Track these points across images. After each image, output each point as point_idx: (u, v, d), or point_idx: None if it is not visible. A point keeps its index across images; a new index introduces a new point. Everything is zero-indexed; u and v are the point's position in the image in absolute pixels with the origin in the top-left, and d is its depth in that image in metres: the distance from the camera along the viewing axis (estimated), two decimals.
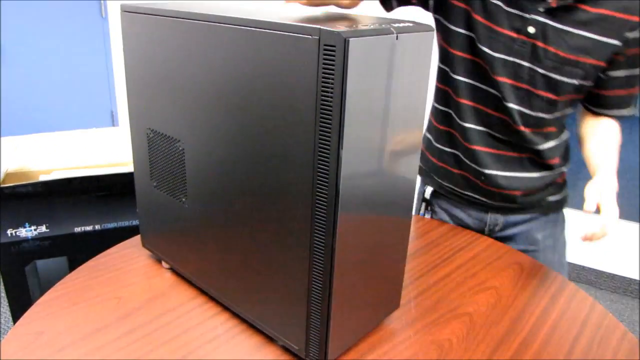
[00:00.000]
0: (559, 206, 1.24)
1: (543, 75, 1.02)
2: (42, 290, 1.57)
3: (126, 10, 0.88)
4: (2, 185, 1.40)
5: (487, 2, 1.01)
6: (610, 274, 2.54)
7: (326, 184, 0.64)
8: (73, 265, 1.56)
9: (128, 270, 1.01)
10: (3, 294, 2.32)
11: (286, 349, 0.81)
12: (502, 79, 1.05)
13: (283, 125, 0.67)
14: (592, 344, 0.87)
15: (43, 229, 1.51)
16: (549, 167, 1.15)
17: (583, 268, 2.59)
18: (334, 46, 0.58)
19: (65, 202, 1.51)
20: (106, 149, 1.83)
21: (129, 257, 1.06)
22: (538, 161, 1.14)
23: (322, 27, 0.58)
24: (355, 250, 0.71)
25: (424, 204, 1.35)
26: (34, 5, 2.59)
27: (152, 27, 0.83)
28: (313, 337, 0.74)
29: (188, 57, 0.78)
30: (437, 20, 1.12)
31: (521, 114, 1.07)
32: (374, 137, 0.66)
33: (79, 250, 1.56)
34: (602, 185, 0.98)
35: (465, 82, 1.10)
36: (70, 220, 1.53)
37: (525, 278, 1.04)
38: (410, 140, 0.74)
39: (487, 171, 1.14)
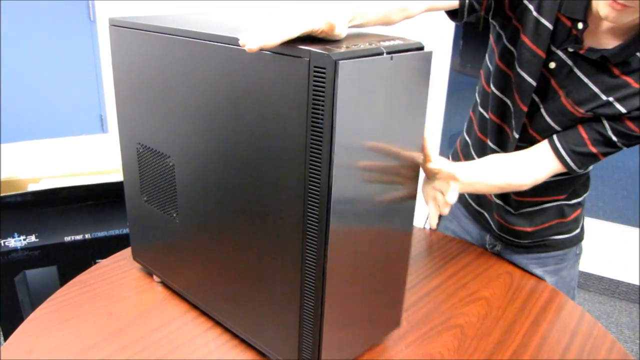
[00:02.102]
0: (569, 244, 1.14)
1: (542, 117, 0.97)
2: (32, 300, 1.56)
3: (114, 25, 0.88)
4: None
5: (540, 23, 0.92)
6: (598, 276, 2.57)
7: (317, 203, 0.64)
8: (63, 274, 1.55)
9: (119, 284, 1.01)
10: None
11: None
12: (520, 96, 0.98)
13: (274, 144, 0.67)
14: (582, 354, 0.88)
15: (32, 238, 1.50)
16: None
17: None
18: (324, 68, 0.58)
19: (54, 212, 1.50)
20: (96, 157, 1.82)
21: (120, 271, 1.06)
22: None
23: (312, 49, 0.58)
24: (348, 269, 0.71)
25: None
26: (20, 9, 2.56)
27: (140, 42, 0.83)
28: (305, 353, 0.75)
29: (178, 74, 0.78)
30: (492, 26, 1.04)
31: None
32: (367, 156, 0.66)
33: (69, 260, 1.55)
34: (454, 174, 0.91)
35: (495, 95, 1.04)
36: (60, 230, 1.52)
37: (516, 288, 1.05)
38: (407, 159, 0.73)
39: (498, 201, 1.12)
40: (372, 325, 0.82)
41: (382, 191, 0.72)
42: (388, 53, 0.63)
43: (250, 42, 0.58)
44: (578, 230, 1.14)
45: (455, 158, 1.23)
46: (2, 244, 1.47)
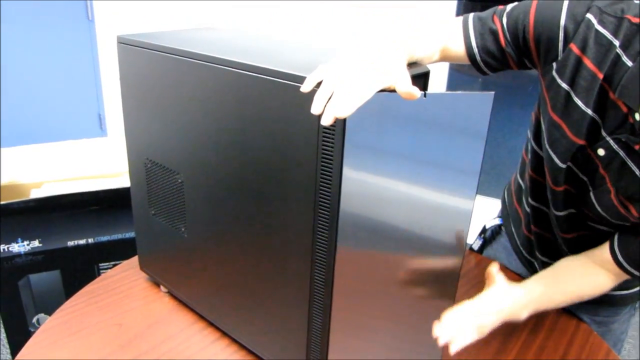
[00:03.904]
0: (628, 301, 1.02)
1: (592, 204, 0.85)
2: (36, 304, 1.58)
3: (122, 42, 0.89)
4: None
5: (572, 100, 0.79)
6: None
7: (327, 223, 0.66)
8: (66, 278, 1.57)
9: (127, 294, 1.03)
10: None
11: None
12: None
13: (283, 167, 0.69)
14: None
15: (36, 243, 1.52)
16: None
17: None
18: None
19: (58, 217, 1.51)
20: (97, 160, 1.83)
21: (128, 280, 1.07)
22: None
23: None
24: (356, 286, 0.74)
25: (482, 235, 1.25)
26: (18, 8, 2.56)
27: (149, 61, 0.84)
28: None
29: (187, 94, 0.79)
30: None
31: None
32: (379, 174, 0.68)
33: (72, 264, 1.57)
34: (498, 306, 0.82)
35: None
36: (63, 235, 1.54)
37: None
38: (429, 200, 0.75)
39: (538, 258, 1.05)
40: (401, 355, 0.82)
41: (401, 217, 0.72)
42: None
43: (325, 118, 0.54)
44: (633, 290, 1.00)
45: (509, 199, 1.14)
46: (6, 249, 1.48)
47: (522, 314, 0.84)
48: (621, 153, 0.77)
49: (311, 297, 0.72)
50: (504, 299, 0.83)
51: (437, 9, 1.89)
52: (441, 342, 0.76)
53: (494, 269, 0.87)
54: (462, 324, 0.79)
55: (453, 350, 0.77)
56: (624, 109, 0.74)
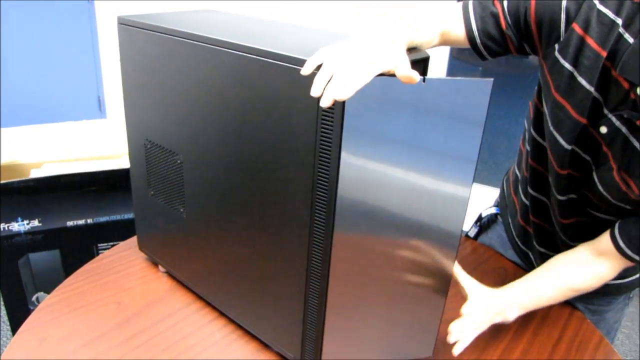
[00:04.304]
0: (623, 290, 1.03)
1: (594, 185, 0.85)
2: (36, 283, 1.60)
3: (123, 23, 0.89)
4: None
5: (575, 80, 0.80)
6: None
7: (325, 203, 0.67)
8: (66, 258, 1.58)
9: (125, 274, 1.04)
10: None
11: (282, 356, 0.85)
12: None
13: (282, 148, 0.69)
14: (571, 350, 0.92)
15: (36, 223, 1.53)
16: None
17: None
18: None
19: (57, 197, 1.52)
20: (96, 142, 1.83)
21: (126, 260, 1.08)
22: None
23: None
24: (352, 269, 0.74)
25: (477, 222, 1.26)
26: None
27: (150, 43, 0.84)
28: (308, 346, 0.78)
29: (187, 75, 0.80)
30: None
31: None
32: (376, 158, 0.69)
33: (71, 244, 1.58)
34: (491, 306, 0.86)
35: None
36: (63, 215, 1.55)
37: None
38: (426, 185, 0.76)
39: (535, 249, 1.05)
40: (395, 341, 0.83)
41: (397, 203, 0.72)
42: None
43: (325, 100, 0.55)
44: (636, 276, 1.00)
45: (507, 190, 1.15)
46: (6, 228, 1.49)
47: (513, 314, 0.88)
48: (623, 129, 0.77)
49: (308, 278, 0.73)
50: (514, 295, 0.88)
51: (437, 10, 1.88)
52: (453, 339, 0.82)
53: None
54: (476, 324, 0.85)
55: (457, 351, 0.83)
56: (626, 85, 0.75)
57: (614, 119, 0.78)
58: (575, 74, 0.78)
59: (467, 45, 0.84)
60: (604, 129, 0.79)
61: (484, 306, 0.86)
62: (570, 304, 1.05)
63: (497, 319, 0.87)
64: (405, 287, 0.79)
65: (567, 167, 0.86)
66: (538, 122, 0.92)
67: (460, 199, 0.73)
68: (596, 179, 0.84)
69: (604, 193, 0.83)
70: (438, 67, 2.56)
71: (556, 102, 0.82)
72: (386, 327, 0.81)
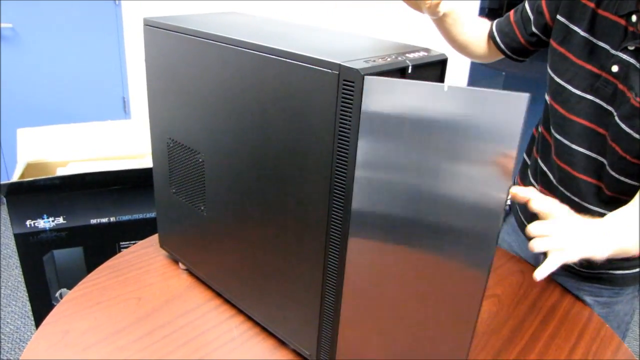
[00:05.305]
0: (630, 281, 1.03)
1: (617, 125, 0.87)
2: (59, 279, 1.64)
3: (148, 25, 0.91)
4: (22, 180, 1.45)
5: (575, 34, 0.92)
6: None
7: (342, 205, 0.68)
8: (89, 255, 1.62)
9: (146, 270, 1.06)
10: (22, 280, 2.38)
11: (298, 353, 0.86)
12: (577, 119, 0.93)
13: (301, 149, 0.70)
14: (588, 355, 0.91)
15: (60, 220, 1.56)
16: None
17: None
18: (352, 82, 0.61)
19: (81, 195, 1.56)
20: (121, 142, 1.87)
21: (147, 257, 1.11)
22: None
23: (342, 63, 0.62)
24: (369, 269, 0.75)
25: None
26: None
27: (174, 43, 0.86)
28: (324, 343, 0.79)
29: (210, 76, 0.81)
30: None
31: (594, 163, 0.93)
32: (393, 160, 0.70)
33: (94, 242, 1.61)
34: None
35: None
36: (87, 213, 1.58)
37: (527, 286, 1.08)
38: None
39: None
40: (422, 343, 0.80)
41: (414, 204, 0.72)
42: (413, 66, 0.66)
43: (540, 276, 0.68)
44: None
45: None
46: (32, 225, 1.53)
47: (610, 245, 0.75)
48: (632, 61, 0.84)
49: (324, 276, 0.74)
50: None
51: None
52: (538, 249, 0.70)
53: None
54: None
55: (540, 275, 0.69)
56: (622, 22, 0.85)
57: (621, 55, 0.86)
58: (570, 24, 0.92)
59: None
60: (615, 68, 0.86)
61: (575, 225, 0.72)
62: (579, 297, 1.06)
63: (589, 250, 0.72)
64: (431, 290, 0.78)
65: (582, 117, 0.92)
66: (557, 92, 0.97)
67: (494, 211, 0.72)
68: (618, 120, 0.87)
69: (627, 129, 0.86)
70: (459, 70, 2.55)
71: (558, 52, 0.94)
72: (411, 329, 0.81)
